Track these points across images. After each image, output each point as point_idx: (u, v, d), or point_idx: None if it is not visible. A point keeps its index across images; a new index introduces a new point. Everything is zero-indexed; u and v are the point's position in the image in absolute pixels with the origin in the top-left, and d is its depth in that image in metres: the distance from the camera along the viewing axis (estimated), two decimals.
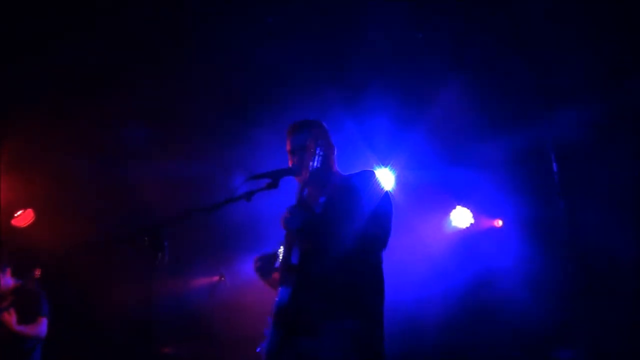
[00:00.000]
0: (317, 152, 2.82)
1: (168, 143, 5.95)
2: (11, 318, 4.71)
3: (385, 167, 5.98)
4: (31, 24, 4.74)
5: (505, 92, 5.55)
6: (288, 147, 3.03)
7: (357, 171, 2.99)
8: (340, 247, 2.68)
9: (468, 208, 6.55)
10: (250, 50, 5.20)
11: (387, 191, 2.91)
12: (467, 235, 6.56)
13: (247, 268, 6.07)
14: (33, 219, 5.96)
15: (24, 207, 5.95)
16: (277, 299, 2.75)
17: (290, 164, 3.01)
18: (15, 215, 5.91)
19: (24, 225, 5.91)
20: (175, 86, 5.49)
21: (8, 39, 4.84)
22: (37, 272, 4.85)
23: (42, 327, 4.86)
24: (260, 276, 3.00)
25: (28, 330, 4.79)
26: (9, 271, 5.01)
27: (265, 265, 2.95)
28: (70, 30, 4.81)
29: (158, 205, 5.53)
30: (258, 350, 2.82)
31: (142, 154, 5.86)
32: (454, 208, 6.59)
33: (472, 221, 6.54)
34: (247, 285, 5.90)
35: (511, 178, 6.09)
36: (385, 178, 5.94)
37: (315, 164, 2.80)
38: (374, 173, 2.94)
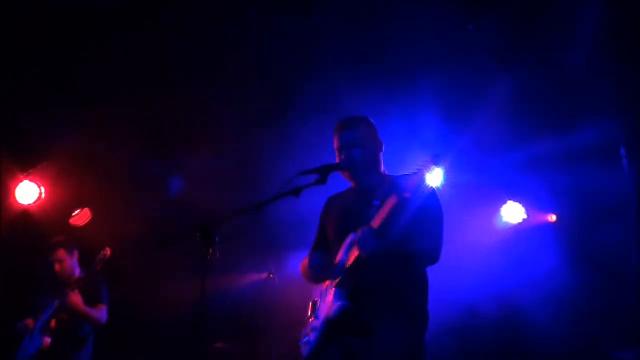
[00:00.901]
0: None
1: (220, 141, 6.03)
2: (77, 298, 4.75)
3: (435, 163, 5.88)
4: None
5: (564, 85, 5.36)
6: (336, 144, 3.03)
7: (406, 173, 2.93)
8: (395, 258, 2.73)
9: (520, 203, 6.39)
10: (297, 45, 5.21)
11: (439, 201, 2.92)
12: (519, 232, 6.39)
13: (296, 264, 6.15)
14: (90, 218, 6.11)
15: (81, 207, 6.12)
16: (327, 299, 2.77)
17: (337, 161, 3.01)
18: (73, 214, 6.09)
19: (82, 225, 6.07)
20: (227, 86, 5.57)
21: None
22: (108, 252, 4.82)
23: (102, 313, 4.94)
24: (310, 272, 2.99)
25: (93, 313, 4.85)
26: (76, 254, 5.14)
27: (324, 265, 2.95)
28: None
29: (210, 203, 5.61)
30: (301, 343, 2.85)
31: (195, 152, 5.96)
32: (505, 203, 6.45)
33: (525, 216, 6.38)
34: (295, 282, 5.95)
35: (569, 174, 5.89)
36: (435, 175, 5.86)
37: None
38: (424, 180, 2.86)
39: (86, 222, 6.10)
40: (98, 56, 5.24)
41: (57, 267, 5.04)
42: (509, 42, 5.04)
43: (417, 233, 2.74)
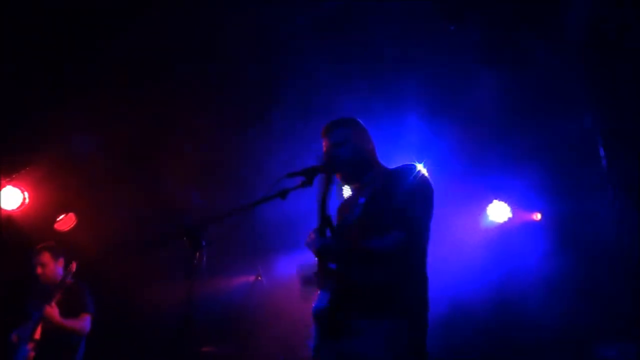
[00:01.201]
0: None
1: (205, 142, 6.01)
2: (54, 310, 4.71)
3: (419, 163, 5.92)
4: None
5: (545, 82, 5.41)
6: (325, 146, 3.05)
7: (400, 165, 2.96)
8: (371, 255, 2.69)
9: (505, 202, 6.45)
10: (281, 45, 5.22)
11: (429, 190, 2.87)
12: (504, 230, 6.45)
13: (284, 266, 6.17)
14: (75, 223, 6.07)
15: (65, 211, 6.07)
16: (316, 302, 2.77)
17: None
18: (58, 219, 6.04)
19: (67, 229, 6.03)
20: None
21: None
22: (73, 266, 4.82)
23: (85, 323, 4.89)
24: (302, 285, 2.98)
25: (72, 324, 4.80)
26: (61, 261, 5.08)
27: (307, 275, 2.92)
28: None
29: (195, 206, 5.60)
30: (308, 345, 2.84)
31: (178, 154, 5.94)
32: (491, 202, 6.50)
33: (510, 215, 6.43)
34: (283, 283, 5.95)
35: (552, 170, 5.96)
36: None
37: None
38: (414, 167, 2.90)
39: (71, 227, 6.06)
40: (80, 57, 5.19)
41: (39, 269, 4.98)
42: (491, 42, 5.09)
43: (396, 218, 2.70)
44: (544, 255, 6.09)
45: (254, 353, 5.86)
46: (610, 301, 5.61)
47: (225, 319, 6.24)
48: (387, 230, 2.70)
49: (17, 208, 5.86)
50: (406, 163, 2.97)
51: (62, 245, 5.26)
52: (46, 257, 5.01)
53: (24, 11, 4.71)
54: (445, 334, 5.82)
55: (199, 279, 2.52)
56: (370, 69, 5.50)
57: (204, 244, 2.50)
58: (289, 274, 5.93)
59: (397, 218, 2.71)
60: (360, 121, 3.14)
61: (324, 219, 2.67)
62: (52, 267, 5.02)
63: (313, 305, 2.78)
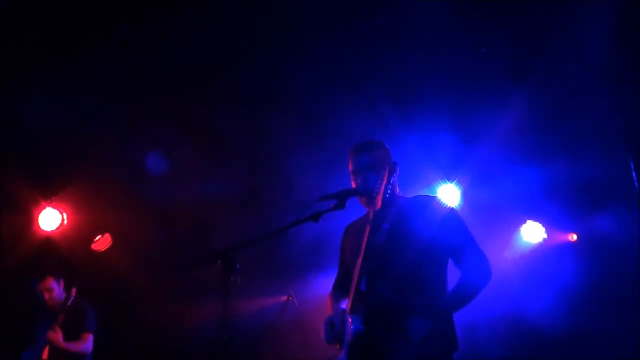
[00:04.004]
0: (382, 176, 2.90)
1: (236, 168, 6.08)
2: (57, 335, 4.81)
3: (451, 182, 5.89)
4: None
5: (577, 106, 5.35)
6: (350, 167, 3.06)
7: (420, 194, 3.04)
8: (405, 276, 2.72)
9: (539, 222, 6.32)
10: (313, 61, 5.26)
11: (453, 209, 2.93)
12: (539, 252, 6.32)
13: (315, 287, 6.17)
14: (111, 244, 6.19)
15: (102, 232, 6.19)
16: (350, 327, 2.74)
17: (353, 185, 3.04)
18: (95, 240, 6.17)
19: (103, 250, 6.16)
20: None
21: None
22: (73, 291, 4.95)
23: (87, 344, 4.98)
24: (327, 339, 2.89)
25: (73, 347, 4.89)
26: (62, 282, 5.18)
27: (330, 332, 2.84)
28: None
29: (229, 229, 5.65)
30: None
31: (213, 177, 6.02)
32: (524, 223, 6.39)
33: (545, 236, 6.30)
34: (314, 304, 5.94)
35: (585, 192, 5.84)
36: (451, 194, 5.85)
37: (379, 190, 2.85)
38: (436, 198, 3.00)
39: (107, 247, 6.18)
40: (115, 83, 5.32)
41: (46, 295, 5.08)
42: (522, 61, 5.05)
43: (425, 242, 2.75)
44: (577, 277, 5.94)
45: None
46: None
47: (257, 339, 6.25)
48: (420, 262, 2.75)
49: (56, 229, 6.02)
50: (426, 194, 3.09)
51: (59, 264, 5.37)
52: (50, 281, 5.11)
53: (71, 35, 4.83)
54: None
55: (233, 301, 2.54)
56: (403, 89, 5.50)
57: (237, 267, 2.53)
58: (320, 295, 5.94)
59: (457, 259, 2.82)
60: (386, 144, 3.15)
61: None
62: (57, 291, 5.12)
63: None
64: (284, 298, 6.14)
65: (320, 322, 2.88)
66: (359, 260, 2.77)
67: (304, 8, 4.62)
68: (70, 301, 4.96)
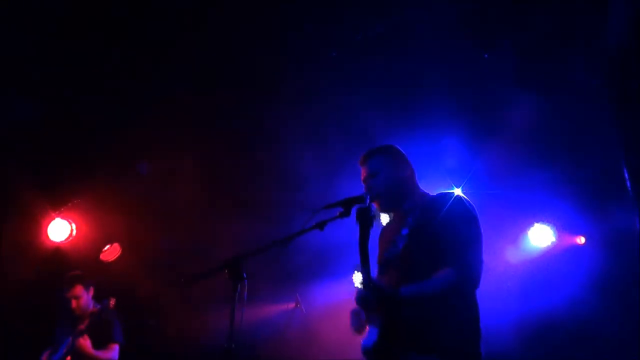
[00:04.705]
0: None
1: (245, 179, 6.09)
2: (86, 342, 4.81)
3: (458, 187, 5.88)
4: None
5: (586, 105, 5.32)
6: (362, 177, 3.08)
7: (440, 192, 2.95)
8: (422, 299, 2.64)
9: (548, 225, 6.27)
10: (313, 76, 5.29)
11: (475, 219, 2.81)
12: (548, 255, 6.28)
13: (323, 295, 6.17)
14: (120, 253, 6.21)
15: (111, 242, 6.22)
16: (365, 339, 2.74)
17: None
18: (103, 249, 6.20)
19: (112, 260, 6.18)
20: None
21: None
22: (112, 302, 4.93)
23: (114, 353, 4.97)
24: (355, 330, 2.93)
25: (102, 355, 4.89)
26: (92, 290, 5.16)
27: (357, 321, 2.89)
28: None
29: (236, 238, 5.66)
30: None
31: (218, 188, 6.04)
32: (532, 226, 6.34)
33: (554, 239, 6.24)
34: (322, 311, 5.94)
35: (593, 193, 5.81)
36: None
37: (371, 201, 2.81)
38: (455, 195, 2.88)
39: (116, 257, 6.20)
40: (125, 94, 5.37)
41: (74, 303, 5.05)
42: (528, 66, 5.05)
43: (440, 265, 2.66)
44: (588, 284, 5.89)
45: None
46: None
47: (264, 346, 6.26)
48: (436, 268, 2.66)
49: (65, 239, 6.06)
50: (446, 191, 2.97)
51: (90, 273, 5.34)
52: (79, 289, 5.08)
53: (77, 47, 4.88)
54: None
55: (241, 310, 2.55)
56: (410, 94, 5.50)
57: (245, 276, 2.54)
58: (328, 302, 5.94)
59: (445, 254, 2.67)
60: (398, 147, 3.14)
61: (365, 268, 2.62)
62: (85, 298, 5.09)
63: (362, 341, 2.75)
64: (292, 305, 6.15)
65: (328, 328, 2.89)
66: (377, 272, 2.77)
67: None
68: (97, 309, 4.96)
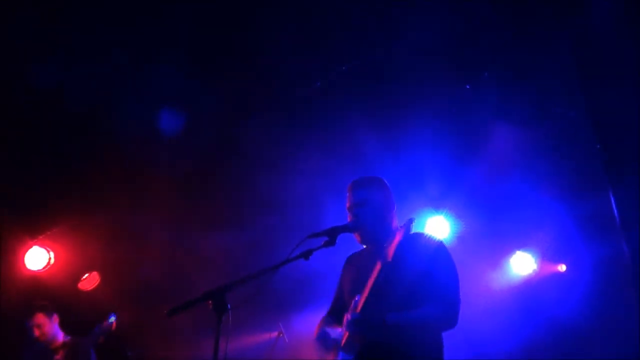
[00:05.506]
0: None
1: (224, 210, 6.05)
2: None
3: (440, 213, 5.91)
4: None
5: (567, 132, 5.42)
6: (347, 204, 3.08)
7: (421, 232, 3.05)
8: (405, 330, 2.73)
9: (530, 253, 6.30)
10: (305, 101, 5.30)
11: (453, 261, 2.93)
12: (529, 283, 6.30)
13: (305, 323, 6.10)
14: (99, 282, 6.11)
15: (89, 270, 6.11)
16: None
17: (349, 220, 3.04)
18: (82, 278, 6.08)
19: (90, 289, 6.08)
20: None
21: None
22: (114, 324, 4.85)
23: None
24: (319, 347, 2.99)
25: None
26: (55, 318, 5.06)
27: (325, 342, 2.94)
28: None
29: (219, 269, 5.61)
30: None
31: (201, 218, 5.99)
32: (513, 253, 6.37)
33: (535, 267, 6.27)
34: (305, 340, 5.88)
35: (574, 220, 5.87)
36: (441, 226, 5.86)
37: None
38: (434, 237, 3.00)
39: (94, 286, 6.09)
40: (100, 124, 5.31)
41: (37, 332, 4.95)
42: (508, 97, 5.14)
43: (423, 303, 2.76)
44: (571, 305, 5.92)
45: None
46: None
47: None
48: (415, 302, 2.76)
49: (43, 268, 5.93)
50: (423, 232, 3.10)
51: (52, 301, 5.24)
52: (40, 317, 5.00)
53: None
54: None
55: (224, 340, 2.52)
56: (395, 118, 5.55)
57: (229, 307, 2.51)
58: (310, 331, 5.86)
59: (432, 291, 2.79)
60: (386, 182, 3.17)
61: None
62: (48, 326, 5.00)
63: None
64: (275, 334, 6.07)
65: (312, 358, 2.89)
66: (361, 301, 2.77)
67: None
68: (67, 339, 4.82)
